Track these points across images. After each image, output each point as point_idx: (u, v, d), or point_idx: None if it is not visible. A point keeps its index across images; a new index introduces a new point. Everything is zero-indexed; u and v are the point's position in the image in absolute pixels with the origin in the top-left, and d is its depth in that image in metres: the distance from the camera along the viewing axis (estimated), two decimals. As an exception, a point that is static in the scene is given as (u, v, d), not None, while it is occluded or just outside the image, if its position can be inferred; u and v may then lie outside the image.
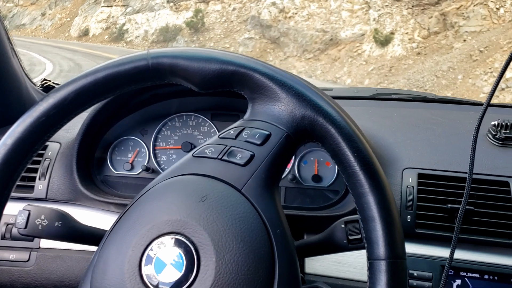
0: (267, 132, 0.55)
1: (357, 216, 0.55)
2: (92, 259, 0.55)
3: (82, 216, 0.98)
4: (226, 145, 0.56)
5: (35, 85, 1.29)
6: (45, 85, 1.33)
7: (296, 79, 0.56)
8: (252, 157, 0.54)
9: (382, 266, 0.49)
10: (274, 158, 0.55)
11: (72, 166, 0.99)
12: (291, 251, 0.52)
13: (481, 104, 1.29)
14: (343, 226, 0.62)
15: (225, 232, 0.49)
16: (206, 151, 0.57)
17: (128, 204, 0.57)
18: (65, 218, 0.67)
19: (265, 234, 0.50)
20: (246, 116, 0.59)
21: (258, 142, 0.55)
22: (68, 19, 31.38)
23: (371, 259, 0.50)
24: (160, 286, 0.47)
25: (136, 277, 0.48)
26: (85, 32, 28.32)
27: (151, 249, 0.49)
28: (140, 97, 1.04)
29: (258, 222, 0.51)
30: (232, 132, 0.57)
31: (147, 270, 0.48)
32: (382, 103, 1.34)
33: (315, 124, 0.54)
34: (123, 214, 0.56)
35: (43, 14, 33.62)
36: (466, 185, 0.72)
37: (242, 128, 0.57)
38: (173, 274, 0.47)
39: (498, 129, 0.98)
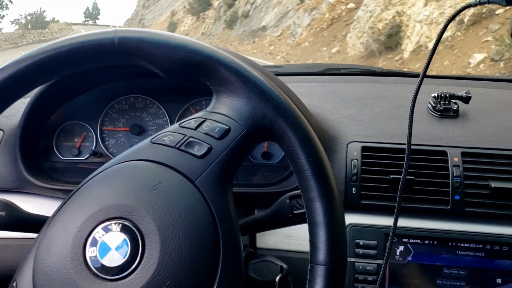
0: (226, 127, 0.55)
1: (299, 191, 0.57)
2: (38, 235, 0.55)
3: (29, 204, 0.96)
4: (185, 135, 0.56)
5: None
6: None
7: (260, 77, 0.56)
8: (209, 150, 0.54)
9: (321, 271, 0.51)
10: (230, 154, 0.55)
11: (16, 154, 0.96)
12: (237, 248, 0.53)
13: (428, 77, 1.33)
14: (288, 201, 0.64)
15: (172, 222, 0.49)
16: (164, 138, 0.56)
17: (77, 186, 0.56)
18: (8, 207, 0.66)
19: (212, 228, 0.51)
20: (209, 108, 0.59)
21: (217, 136, 0.55)
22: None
23: (312, 263, 0.52)
24: (101, 269, 0.48)
25: (80, 258, 0.48)
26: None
27: (97, 232, 0.49)
28: (85, 79, 1.02)
29: (207, 216, 0.51)
30: (192, 122, 0.57)
31: (91, 252, 0.48)
32: (332, 78, 1.37)
33: (274, 125, 0.54)
34: (73, 194, 0.55)
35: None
36: (405, 155, 0.75)
37: (203, 120, 0.57)
38: (117, 259, 0.48)
39: (438, 100, 1.01)
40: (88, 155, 1.03)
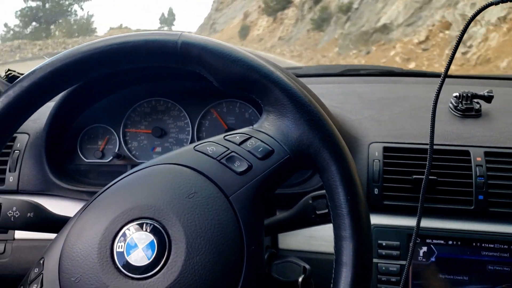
0: (270, 148, 0.55)
1: (323, 191, 0.57)
2: (70, 219, 0.57)
3: (55, 206, 0.97)
4: (228, 149, 0.56)
5: None
6: (9, 75, 1.30)
7: (313, 104, 0.55)
8: (249, 168, 0.54)
9: None
10: (269, 176, 0.54)
11: (42, 157, 0.98)
12: (260, 269, 0.53)
13: (449, 77, 1.32)
14: (310, 201, 0.64)
15: (201, 234, 0.49)
16: (207, 148, 0.57)
17: (116, 179, 0.57)
18: (36, 208, 0.67)
19: (239, 247, 0.51)
20: (256, 125, 0.59)
21: (259, 156, 0.55)
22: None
23: None
24: (125, 266, 0.49)
25: (107, 251, 0.50)
26: None
27: (128, 229, 0.50)
28: (108, 83, 1.04)
29: (236, 234, 0.51)
30: (238, 137, 0.57)
31: (119, 247, 0.49)
32: (350, 79, 1.36)
33: (319, 156, 0.54)
34: (109, 187, 0.57)
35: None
36: (428, 155, 0.74)
37: (248, 137, 0.57)
38: (141, 259, 0.49)
39: (460, 100, 1.01)
40: (111, 157, 1.05)
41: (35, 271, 0.55)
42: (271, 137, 0.56)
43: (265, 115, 0.58)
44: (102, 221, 0.52)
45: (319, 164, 0.54)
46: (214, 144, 0.57)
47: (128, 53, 0.57)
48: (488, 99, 0.99)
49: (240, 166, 0.54)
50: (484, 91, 1.00)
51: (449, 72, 0.73)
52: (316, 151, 0.54)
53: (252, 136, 0.57)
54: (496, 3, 0.65)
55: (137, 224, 0.50)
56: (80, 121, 1.07)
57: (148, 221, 0.50)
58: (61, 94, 0.98)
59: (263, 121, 0.58)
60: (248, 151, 0.55)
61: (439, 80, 0.72)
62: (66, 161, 1.05)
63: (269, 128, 0.57)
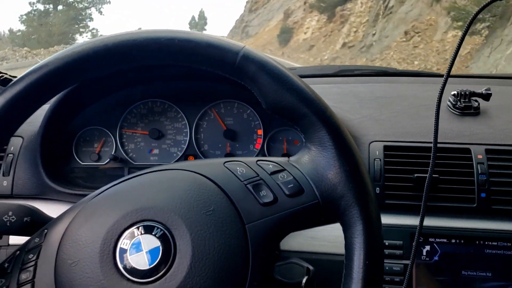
0: (300, 188, 0.53)
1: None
2: (81, 201, 0.56)
3: (51, 210, 0.95)
4: (258, 175, 0.54)
5: None
6: (1, 78, 1.27)
7: (358, 155, 0.53)
8: (274, 201, 0.52)
9: None
10: (291, 216, 0.52)
11: (37, 160, 0.96)
12: None
13: (439, 76, 1.33)
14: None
15: (208, 255, 0.48)
16: (238, 168, 0.55)
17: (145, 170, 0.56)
18: (33, 212, 0.65)
19: (241, 279, 0.49)
20: (294, 158, 0.57)
21: (287, 192, 0.53)
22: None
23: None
24: (124, 265, 0.47)
25: (111, 245, 0.48)
26: None
27: (137, 227, 0.49)
28: (103, 85, 1.02)
29: (243, 265, 0.50)
30: (271, 166, 0.55)
31: (124, 244, 0.48)
32: (346, 79, 1.36)
33: (347, 211, 0.52)
34: (131, 177, 0.55)
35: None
36: (431, 154, 0.74)
37: (282, 168, 0.55)
38: (142, 263, 0.47)
39: (458, 98, 1.01)
40: (108, 160, 1.03)
41: (36, 240, 0.54)
42: (305, 176, 0.54)
43: (305, 150, 0.56)
44: (115, 212, 0.50)
45: (346, 218, 0.52)
46: (245, 165, 0.55)
47: (187, 52, 0.55)
48: (486, 96, 0.99)
49: (265, 197, 0.52)
50: (482, 89, 1.00)
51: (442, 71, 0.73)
52: (348, 205, 0.51)
53: (285, 169, 0.54)
54: None
55: (148, 225, 0.49)
56: (76, 123, 1.05)
57: (160, 226, 0.49)
58: (57, 96, 0.96)
59: (302, 156, 0.56)
60: (278, 183, 0.53)
61: (435, 79, 0.71)
62: (61, 164, 1.03)
63: (306, 166, 0.55)
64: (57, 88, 0.58)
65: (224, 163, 0.56)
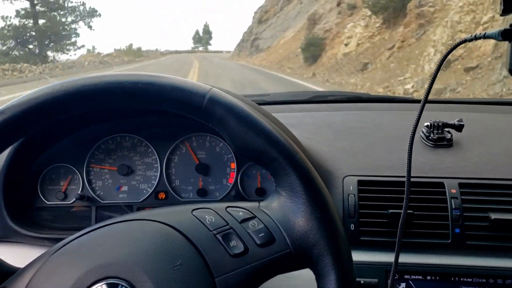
0: (272, 236, 0.51)
1: None
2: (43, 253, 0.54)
3: (16, 253, 0.92)
4: (227, 224, 0.52)
5: None
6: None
7: (329, 201, 0.52)
8: (244, 252, 0.50)
9: None
10: (264, 267, 0.51)
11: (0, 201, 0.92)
12: None
13: (413, 101, 1.33)
14: None
15: None
16: (206, 216, 0.53)
17: (97, 225, 0.54)
18: None
19: None
20: (264, 203, 0.55)
21: (258, 242, 0.51)
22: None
23: None
24: None
25: None
26: None
27: (100, 286, 0.47)
28: (70, 122, 0.98)
29: None
30: (241, 213, 0.53)
31: None
32: (319, 106, 1.35)
33: (321, 260, 0.50)
34: (91, 230, 0.53)
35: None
36: (405, 189, 0.73)
37: (252, 216, 0.53)
38: None
39: (431, 130, 1.00)
40: (74, 199, 0.99)
41: None
42: (276, 223, 0.52)
43: (276, 195, 0.55)
44: (77, 269, 0.48)
45: (319, 267, 0.51)
46: (214, 213, 0.53)
47: (151, 95, 0.54)
48: (459, 128, 0.99)
49: (235, 247, 0.50)
50: (454, 120, 1.00)
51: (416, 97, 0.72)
52: (320, 253, 0.50)
53: (256, 216, 0.53)
54: (470, 40, 0.65)
55: (112, 283, 0.47)
56: (41, 161, 1.01)
57: (124, 283, 0.47)
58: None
59: (272, 201, 0.55)
60: (248, 232, 0.52)
61: (409, 105, 0.71)
62: (26, 205, 0.99)
63: (277, 212, 0.53)
64: (15, 136, 0.56)
65: (192, 210, 0.54)
